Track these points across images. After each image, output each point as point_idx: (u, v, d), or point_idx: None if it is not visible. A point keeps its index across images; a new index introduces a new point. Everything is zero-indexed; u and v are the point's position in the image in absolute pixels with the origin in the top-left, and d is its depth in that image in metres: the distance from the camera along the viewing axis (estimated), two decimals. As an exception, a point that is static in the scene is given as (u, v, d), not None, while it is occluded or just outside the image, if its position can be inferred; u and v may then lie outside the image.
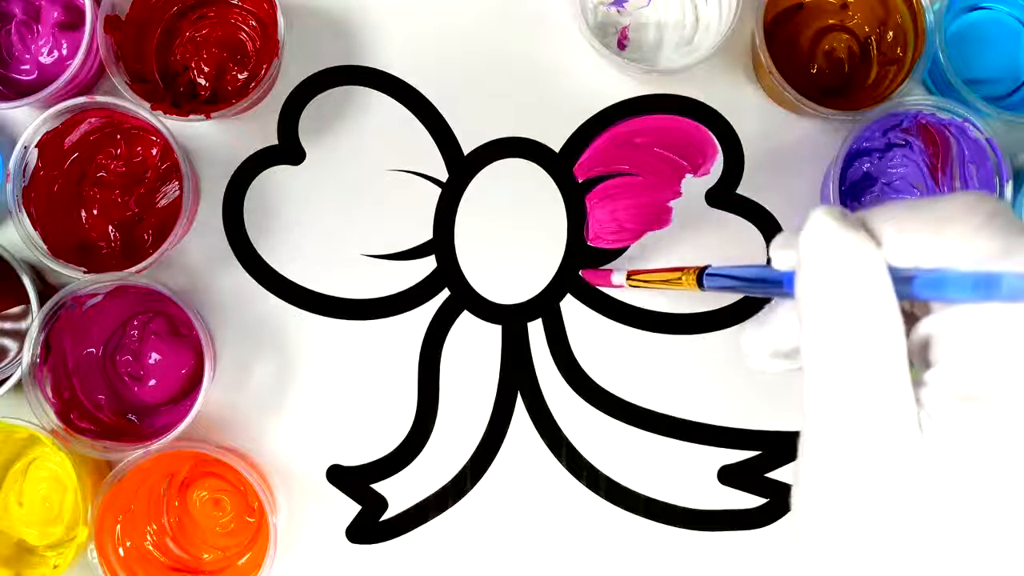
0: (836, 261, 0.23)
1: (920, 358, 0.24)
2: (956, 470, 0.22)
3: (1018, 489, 0.21)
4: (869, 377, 0.22)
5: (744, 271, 0.31)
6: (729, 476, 0.48)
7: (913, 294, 0.23)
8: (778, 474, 0.48)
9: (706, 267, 0.34)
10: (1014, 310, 0.22)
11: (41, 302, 0.44)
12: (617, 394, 0.48)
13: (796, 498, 0.24)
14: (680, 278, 0.36)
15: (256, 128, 0.49)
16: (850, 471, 0.23)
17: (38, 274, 0.47)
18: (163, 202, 0.48)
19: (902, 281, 0.23)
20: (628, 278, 0.43)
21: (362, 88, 0.49)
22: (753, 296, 0.30)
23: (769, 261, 0.28)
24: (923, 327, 0.23)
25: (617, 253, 0.49)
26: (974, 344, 0.22)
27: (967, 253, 0.22)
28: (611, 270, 0.46)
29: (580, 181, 0.49)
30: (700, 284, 0.34)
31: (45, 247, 0.44)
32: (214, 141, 0.49)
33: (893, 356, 0.22)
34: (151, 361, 0.47)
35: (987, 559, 0.22)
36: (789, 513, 0.47)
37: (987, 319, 0.22)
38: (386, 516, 0.48)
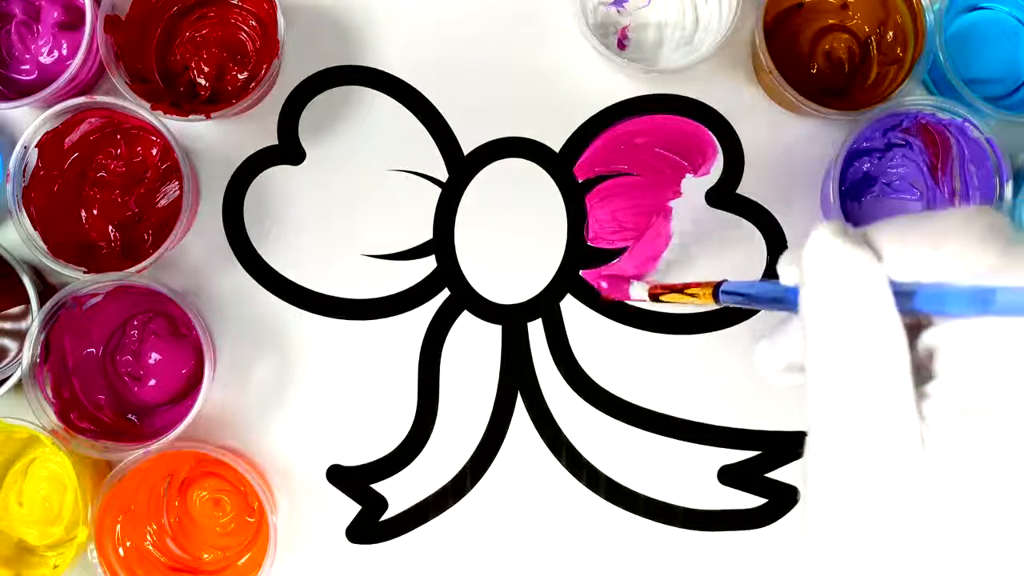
0: (838, 276, 0.23)
1: (927, 368, 0.24)
2: (956, 482, 0.22)
3: (1015, 502, 0.22)
4: (872, 390, 0.23)
5: (755, 287, 0.31)
6: (729, 476, 0.48)
7: (914, 308, 0.23)
8: (778, 474, 0.48)
9: (722, 282, 0.34)
10: (1011, 325, 0.22)
11: (41, 302, 0.44)
12: (617, 394, 0.48)
13: (806, 505, 0.25)
14: (698, 294, 0.36)
15: (256, 128, 0.49)
16: (855, 483, 0.23)
17: (38, 274, 0.47)
18: (163, 202, 0.48)
19: (904, 296, 0.23)
20: (650, 295, 0.43)
21: (362, 88, 0.49)
22: (769, 310, 0.30)
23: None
24: (927, 338, 0.24)
25: (617, 253, 0.49)
26: (973, 358, 0.22)
27: (965, 267, 0.22)
28: (628, 282, 0.46)
29: (580, 181, 0.49)
30: (716, 298, 0.34)
31: (45, 247, 0.44)
32: (214, 141, 0.49)
33: (896, 369, 0.22)
34: (151, 361, 0.47)
35: (985, 566, 0.22)
36: (797, 510, 0.47)
37: (986, 333, 0.22)
38: (386, 516, 0.48)
